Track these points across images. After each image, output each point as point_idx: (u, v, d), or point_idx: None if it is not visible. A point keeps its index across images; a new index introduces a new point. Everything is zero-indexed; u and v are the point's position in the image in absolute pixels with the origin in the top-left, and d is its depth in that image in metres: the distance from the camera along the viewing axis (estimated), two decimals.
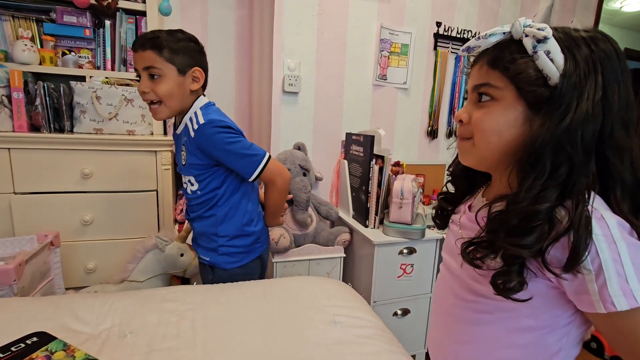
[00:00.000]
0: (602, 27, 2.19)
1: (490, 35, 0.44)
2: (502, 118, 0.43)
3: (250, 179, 0.94)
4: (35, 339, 0.59)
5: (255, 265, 1.06)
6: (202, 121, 0.90)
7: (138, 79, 0.91)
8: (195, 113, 0.93)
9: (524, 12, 1.92)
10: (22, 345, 0.57)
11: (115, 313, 0.70)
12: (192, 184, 0.99)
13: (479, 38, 0.45)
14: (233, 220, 1.00)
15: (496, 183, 0.51)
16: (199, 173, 0.96)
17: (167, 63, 0.88)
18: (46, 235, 1.22)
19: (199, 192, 0.98)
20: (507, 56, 0.42)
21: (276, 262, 1.39)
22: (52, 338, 0.60)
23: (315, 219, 1.55)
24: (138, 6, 1.51)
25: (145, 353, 0.60)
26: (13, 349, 0.56)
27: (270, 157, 0.95)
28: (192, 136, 0.92)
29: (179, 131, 1.01)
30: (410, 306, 1.43)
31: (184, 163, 0.99)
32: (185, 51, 0.91)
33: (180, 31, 0.95)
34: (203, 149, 0.91)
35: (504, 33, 0.43)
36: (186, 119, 0.94)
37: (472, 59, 0.49)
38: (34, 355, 0.55)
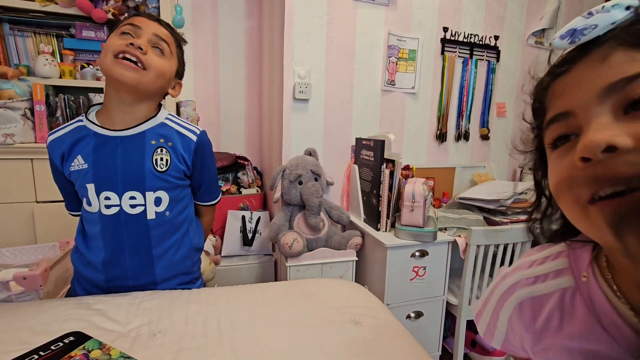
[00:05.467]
0: None
1: (614, 5, 0.29)
2: None
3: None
4: (72, 338, 0.62)
5: None
6: None
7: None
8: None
9: (530, 16, 1.94)
10: (61, 344, 0.60)
11: (144, 313, 0.73)
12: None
13: (589, 14, 0.30)
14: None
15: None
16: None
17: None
18: (68, 242, 1.25)
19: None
20: None
21: (289, 266, 1.41)
22: (87, 337, 0.63)
23: (327, 223, 1.57)
24: None
25: (175, 351, 0.62)
26: (52, 347, 0.59)
27: None
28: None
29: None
30: (424, 309, 1.44)
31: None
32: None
33: None
34: None
35: (627, 7, 0.29)
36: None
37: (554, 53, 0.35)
38: (72, 353, 0.58)
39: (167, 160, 0.82)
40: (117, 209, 0.80)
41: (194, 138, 0.86)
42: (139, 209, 0.81)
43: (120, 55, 0.74)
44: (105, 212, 0.79)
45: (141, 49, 0.75)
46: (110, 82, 0.77)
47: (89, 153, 0.78)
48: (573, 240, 0.39)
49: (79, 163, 0.79)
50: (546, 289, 0.38)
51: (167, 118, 0.86)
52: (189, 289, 0.90)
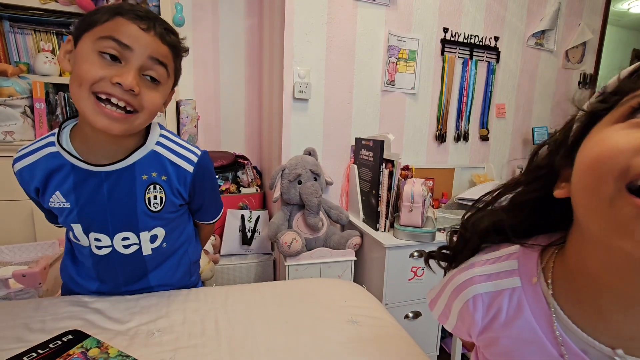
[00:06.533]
0: (609, 29, 2.20)
1: None
2: None
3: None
4: (70, 336, 0.63)
5: None
6: None
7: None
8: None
9: (530, 16, 1.94)
10: (59, 342, 0.61)
11: (142, 312, 0.73)
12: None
13: None
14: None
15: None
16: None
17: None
18: None
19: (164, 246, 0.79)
20: None
21: (288, 266, 1.41)
22: (86, 336, 0.63)
23: (326, 222, 1.57)
24: None
25: (172, 350, 0.63)
26: (51, 345, 0.59)
27: None
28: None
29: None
30: (422, 309, 1.44)
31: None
32: None
33: None
34: None
35: None
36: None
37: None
38: (70, 351, 0.58)
39: (161, 198, 0.71)
40: (109, 249, 0.72)
41: (190, 169, 0.73)
42: (133, 248, 0.73)
43: (104, 97, 0.57)
44: (97, 252, 0.72)
45: (133, 90, 0.57)
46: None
47: (69, 190, 0.66)
48: (526, 244, 0.42)
49: (59, 200, 0.67)
50: (497, 287, 0.41)
51: (158, 143, 0.72)
52: None
